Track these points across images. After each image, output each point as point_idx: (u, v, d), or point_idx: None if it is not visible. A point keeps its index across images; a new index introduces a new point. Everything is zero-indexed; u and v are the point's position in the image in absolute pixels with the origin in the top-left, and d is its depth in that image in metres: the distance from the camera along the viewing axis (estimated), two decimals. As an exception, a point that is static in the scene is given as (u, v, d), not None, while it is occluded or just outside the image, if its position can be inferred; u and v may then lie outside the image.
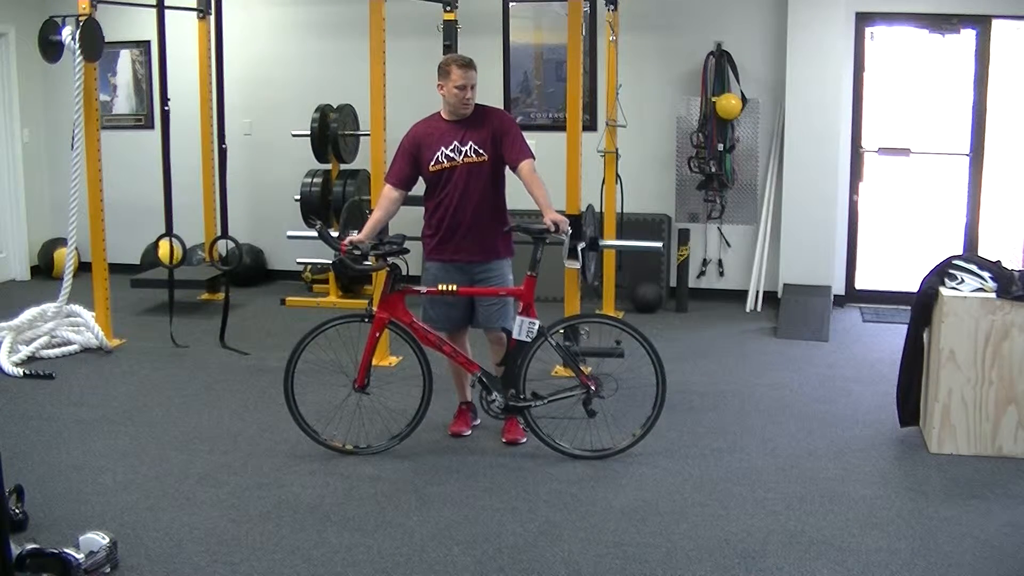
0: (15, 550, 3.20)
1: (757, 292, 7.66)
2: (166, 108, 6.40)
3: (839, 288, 7.66)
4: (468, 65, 4.53)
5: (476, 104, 4.65)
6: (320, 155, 7.76)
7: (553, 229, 4.37)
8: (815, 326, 6.85)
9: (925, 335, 4.75)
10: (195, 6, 7.56)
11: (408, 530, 3.82)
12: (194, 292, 7.80)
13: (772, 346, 6.63)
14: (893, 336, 6.35)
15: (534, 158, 4.60)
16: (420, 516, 3.94)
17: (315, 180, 7.82)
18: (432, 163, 4.59)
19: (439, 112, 4.68)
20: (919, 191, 7.61)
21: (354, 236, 4.52)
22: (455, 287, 4.54)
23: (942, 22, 7.30)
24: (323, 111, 7.72)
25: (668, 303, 7.73)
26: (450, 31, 6.89)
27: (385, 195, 4.67)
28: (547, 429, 4.56)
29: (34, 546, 3.34)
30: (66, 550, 3.32)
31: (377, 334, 4.52)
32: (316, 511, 3.99)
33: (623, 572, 3.50)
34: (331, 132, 7.70)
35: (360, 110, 7.77)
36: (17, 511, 3.72)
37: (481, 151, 4.57)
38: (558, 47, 7.69)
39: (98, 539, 3.43)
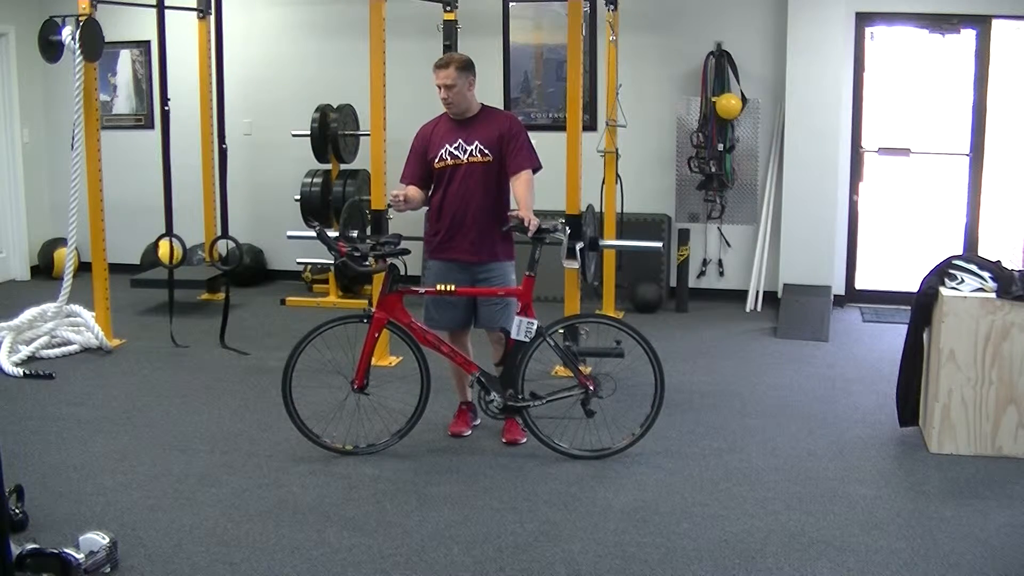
0: (15, 550, 3.20)
1: (757, 292, 7.66)
2: (166, 108, 6.39)
3: (839, 288, 7.65)
4: (442, 65, 4.54)
5: (484, 105, 4.68)
6: (320, 155, 7.76)
7: (522, 225, 4.37)
8: (815, 326, 6.85)
9: (925, 335, 4.75)
10: (195, 6, 7.56)
11: (408, 530, 3.82)
12: (194, 292, 7.80)
13: (772, 346, 6.63)
14: (893, 336, 6.34)
15: (535, 169, 4.60)
16: (420, 516, 3.94)
17: (315, 180, 7.82)
18: (436, 160, 4.61)
19: (446, 112, 4.71)
20: (919, 191, 7.61)
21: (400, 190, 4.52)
22: (453, 287, 4.54)
23: (942, 22, 7.30)
24: (323, 111, 7.72)
25: (668, 303, 7.72)
26: (450, 31, 6.89)
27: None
28: (546, 429, 4.56)
29: (34, 546, 3.34)
30: (66, 550, 3.32)
31: (376, 334, 4.52)
32: (316, 511, 3.99)
33: (623, 572, 3.50)
34: (331, 132, 7.70)
35: (360, 110, 7.77)
36: (17, 511, 3.72)
37: (487, 151, 4.58)
38: (558, 47, 7.69)
39: (98, 539, 3.43)
